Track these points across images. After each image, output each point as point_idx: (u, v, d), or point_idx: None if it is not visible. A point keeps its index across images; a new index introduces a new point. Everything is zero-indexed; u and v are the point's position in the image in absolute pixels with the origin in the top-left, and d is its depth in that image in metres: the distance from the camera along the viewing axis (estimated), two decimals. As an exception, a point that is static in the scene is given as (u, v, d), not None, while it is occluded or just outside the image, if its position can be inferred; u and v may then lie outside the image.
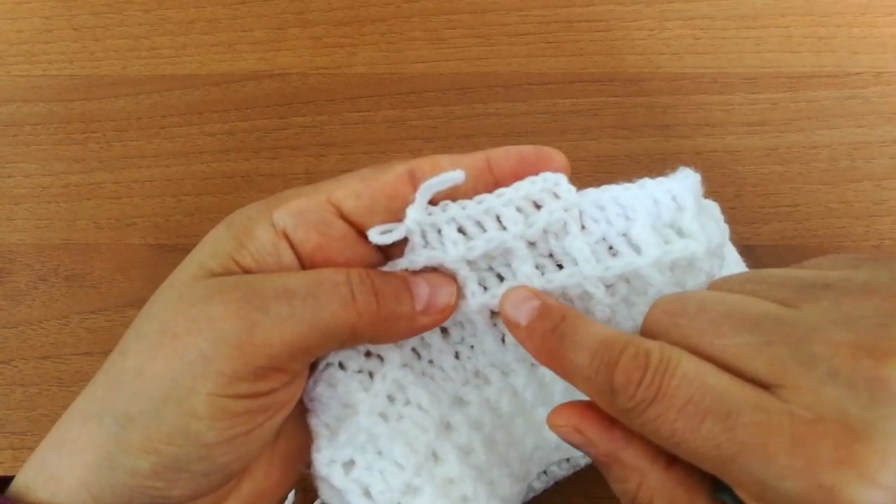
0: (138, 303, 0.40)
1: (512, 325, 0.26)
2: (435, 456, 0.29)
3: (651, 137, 0.41)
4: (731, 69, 0.42)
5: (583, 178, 0.41)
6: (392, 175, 0.27)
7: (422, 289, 0.27)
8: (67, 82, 0.44)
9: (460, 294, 0.28)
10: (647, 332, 0.24)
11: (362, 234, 0.27)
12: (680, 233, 0.27)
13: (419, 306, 0.27)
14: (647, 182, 0.27)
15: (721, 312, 0.23)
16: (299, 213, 0.26)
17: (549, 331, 0.25)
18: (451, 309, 0.28)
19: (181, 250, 0.41)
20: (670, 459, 0.24)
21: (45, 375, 0.39)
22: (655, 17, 0.43)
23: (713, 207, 0.34)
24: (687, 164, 0.30)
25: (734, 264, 0.34)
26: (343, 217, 0.27)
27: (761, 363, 0.21)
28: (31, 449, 0.38)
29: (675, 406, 0.21)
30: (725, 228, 0.33)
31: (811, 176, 0.40)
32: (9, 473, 0.37)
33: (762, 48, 0.42)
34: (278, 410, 0.27)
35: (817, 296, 0.22)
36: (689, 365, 0.22)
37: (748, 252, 0.38)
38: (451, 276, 0.28)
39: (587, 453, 0.26)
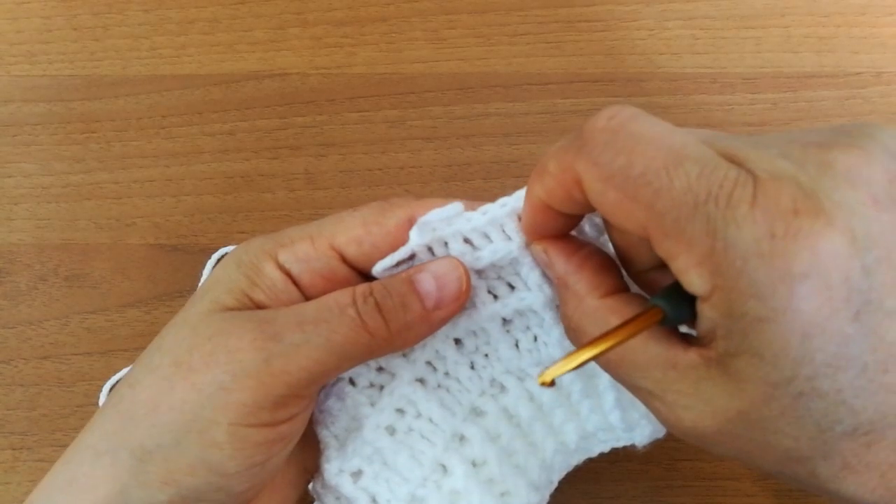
0: (138, 303, 0.40)
1: None
2: (443, 468, 0.29)
3: (651, 137, 0.41)
4: (731, 69, 0.42)
5: (583, 178, 0.41)
6: (393, 222, 0.27)
7: (428, 284, 0.27)
8: (67, 82, 0.44)
9: (470, 287, 0.27)
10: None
11: (365, 273, 0.28)
12: None
13: (430, 304, 0.27)
14: None
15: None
16: (306, 261, 0.27)
17: None
18: (466, 293, 0.27)
19: (181, 250, 0.41)
20: (606, 292, 0.25)
21: (45, 375, 0.39)
22: (655, 17, 0.43)
23: None
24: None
25: None
26: (346, 262, 0.28)
27: (720, 149, 0.22)
28: (31, 449, 0.38)
29: (655, 145, 0.22)
30: None
31: (811, 176, 0.40)
32: (9, 473, 0.37)
33: (762, 48, 0.42)
34: (293, 438, 0.27)
35: (768, 136, 0.24)
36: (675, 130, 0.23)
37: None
38: (456, 259, 0.27)
39: (547, 272, 0.27)
